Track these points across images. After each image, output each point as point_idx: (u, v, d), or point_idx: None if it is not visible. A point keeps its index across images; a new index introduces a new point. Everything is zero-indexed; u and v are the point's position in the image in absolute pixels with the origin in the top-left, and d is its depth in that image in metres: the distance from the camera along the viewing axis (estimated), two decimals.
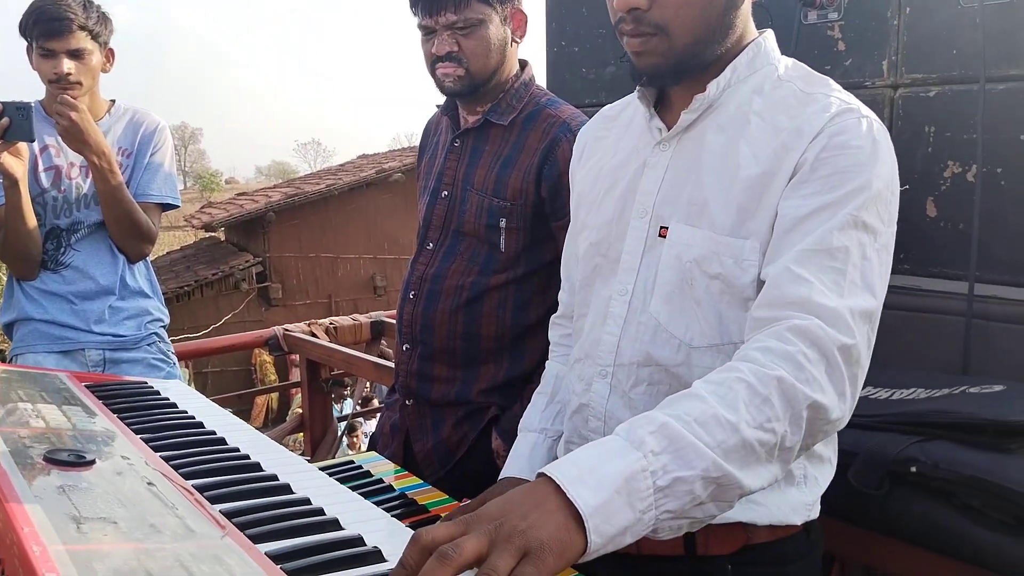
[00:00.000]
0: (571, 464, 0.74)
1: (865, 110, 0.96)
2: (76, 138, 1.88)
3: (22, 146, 1.88)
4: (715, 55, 1.00)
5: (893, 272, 1.64)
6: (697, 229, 1.00)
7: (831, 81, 1.01)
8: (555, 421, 1.23)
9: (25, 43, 1.99)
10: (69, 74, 1.94)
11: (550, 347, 1.34)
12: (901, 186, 1.57)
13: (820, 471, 1.06)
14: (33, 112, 1.82)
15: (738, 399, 0.78)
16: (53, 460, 0.82)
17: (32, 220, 1.95)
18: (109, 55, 2.06)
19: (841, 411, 0.84)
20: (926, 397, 1.29)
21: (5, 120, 1.79)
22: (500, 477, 1.21)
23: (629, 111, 1.18)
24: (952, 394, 1.28)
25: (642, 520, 0.73)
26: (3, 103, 1.81)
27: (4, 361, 2.04)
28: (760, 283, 0.94)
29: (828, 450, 1.07)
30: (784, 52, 1.70)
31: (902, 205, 1.58)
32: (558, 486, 0.71)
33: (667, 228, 1.03)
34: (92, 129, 1.89)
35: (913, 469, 1.16)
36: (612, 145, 1.17)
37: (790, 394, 0.79)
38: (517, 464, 1.21)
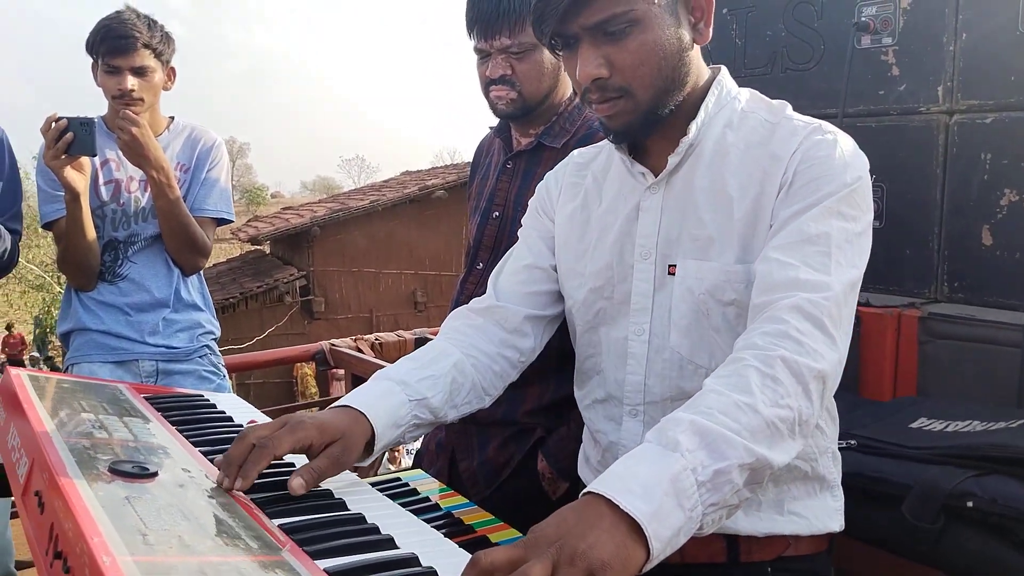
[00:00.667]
0: (615, 477, 0.77)
1: (828, 127, 1.04)
2: (136, 152, 1.94)
3: (84, 161, 1.94)
4: (676, 101, 1.07)
5: (949, 302, 1.63)
6: (705, 262, 1.06)
7: (787, 104, 1.10)
8: (421, 383, 1.12)
9: (91, 60, 2.06)
10: (132, 90, 2.00)
11: (444, 329, 1.27)
12: (956, 214, 1.57)
13: (839, 468, 1.13)
14: (96, 127, 1.88)
15: (750, 383, 0.84)
16: (118, 471, 0.84)
17: (92, 233, 2.01)
18: (171, 73, 2.13)
19: (837, 364, 0.91)
20: (982, 430, 1.27)
21: (69, 135, 1.85)
22: (335, 404, 1.09)
23: (602, 158, 1.23)
24: (1009, 427, 1.26)
25: (691, 518, 0.77)
26: (68, 119, 1.87)
27: (58, 371, 2.10)
28: None
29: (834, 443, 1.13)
30: (838, 77, 1.71)
31: (957, 234, 1.57)
32: (609, 501, 0.74)
33: (675, 266, 1.08)
34: (152, 144, 1.95)
35: (970, 504, 1.14)
36: (594, 192, 1.21)
37: (795, 369, 0.86)
38: (358, 398, 1.07)
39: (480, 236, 1.65)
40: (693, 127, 1.08)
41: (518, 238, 1.57)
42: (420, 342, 3.08)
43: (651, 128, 1.08)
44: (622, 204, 1.15)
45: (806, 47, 1.82)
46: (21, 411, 1.03)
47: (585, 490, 0.77)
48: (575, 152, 1.30)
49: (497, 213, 1.62)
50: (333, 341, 2.97)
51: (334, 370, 3.28)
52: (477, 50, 1.54)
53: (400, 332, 3.11)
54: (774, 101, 1.11)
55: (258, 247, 15.29)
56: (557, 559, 0.69)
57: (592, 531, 0.72)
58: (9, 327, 14.68)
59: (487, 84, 1.54)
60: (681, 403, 1.01)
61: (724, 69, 1.13)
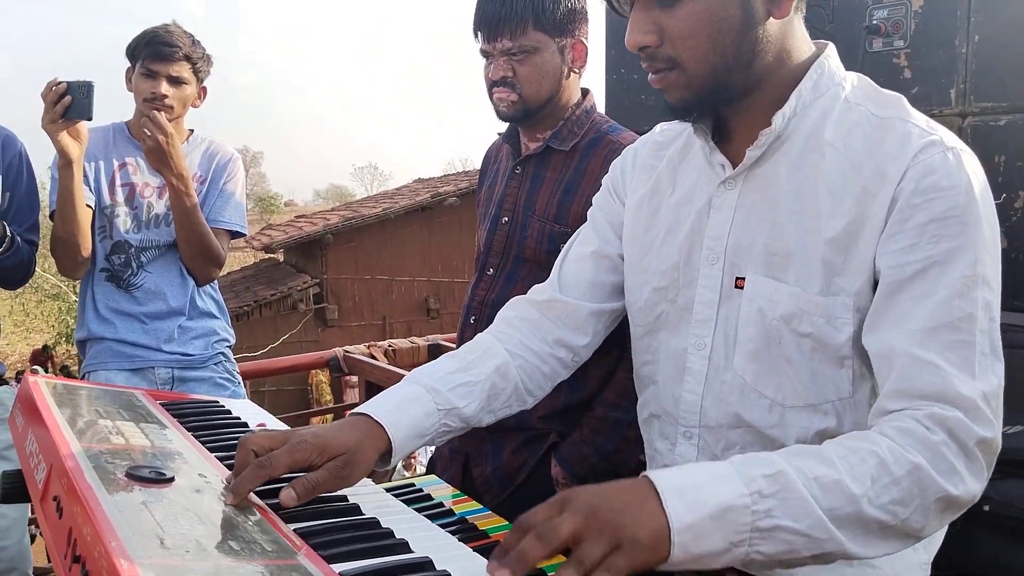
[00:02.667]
0: (678, 476, 0.76)
1: (950, 139, 0.89)
2: (159, 158, 1.96)
3: (82, 128, 1.92)
4: (746, 82, 0.94)
5: None
6: (781, 284, 0.93)
7: (902, 99, 0.95)
8: (454, 391, 1.05)
9: (127, 66, 2.09)
10: (165, 96, 2.03)
11: (497, 321, 1.20)
12: None
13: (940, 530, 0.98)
14: (93, 91, 1.85)
15: (867, 473, 0.76)
16: (135, 476, 0.85)
17: (83, 209, 2.00)
18: (202, 92, 2.17)
19: (975, 496, 0.81)
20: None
21: (68, 99, 1.84)
22: (355, 411, 1.04)
23: (683, 139, 1.10)
24: None
25: (732, 552, 0.74)
26: (67, 82, 1.85)
27: (73, 378, 2.11)
28: (856, 341, 0.90)
29: None
30: None
31: None
32: (658, 493, 0.73)
33: (744, 279, 0.97)
34: (176, 152, 1.97)
35: (986, 508, 1.14)
36: (668, 178, 1.09)
37: (925, 483, 0.77)
38: (379, 405, 1.01)
39: (490, 241, 1.66)
40: (779, 117, 0.93)
41: (528, 243, 1.58)
42: (434, 349, 3.09)
43: (711, 107, 0.97)
44: (697, 196, 1.03)
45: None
46: (39, 418, 1.05)
47: (644, 473, 0.76)
48: (658, 127, 1.19)
49: (507, 218, 1.63)
50: (347, 348, 2.99)
51: (348, 377, 3.29)
52: (482, 52, 1.57)
53: (414, 339, 3.13)
54: (888, 92, 0.96)
55: (272, 255, 15.35)
56: (591, 523, 0.70)
57: (632, 508, 0.72)
58: (45, 347, 14.81)
59: (490, 86, 1.56)
60: (739, 433, 0.97)
61: (831, 47, 0.99)
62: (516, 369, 1.12)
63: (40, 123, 1.86)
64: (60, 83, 1.84)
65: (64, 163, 1.91)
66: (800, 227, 0.92)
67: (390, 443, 0.98)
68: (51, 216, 2.11)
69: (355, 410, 1.04)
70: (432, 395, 1.04)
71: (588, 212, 1.24)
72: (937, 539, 1.00)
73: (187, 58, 2.06)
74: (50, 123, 1.85)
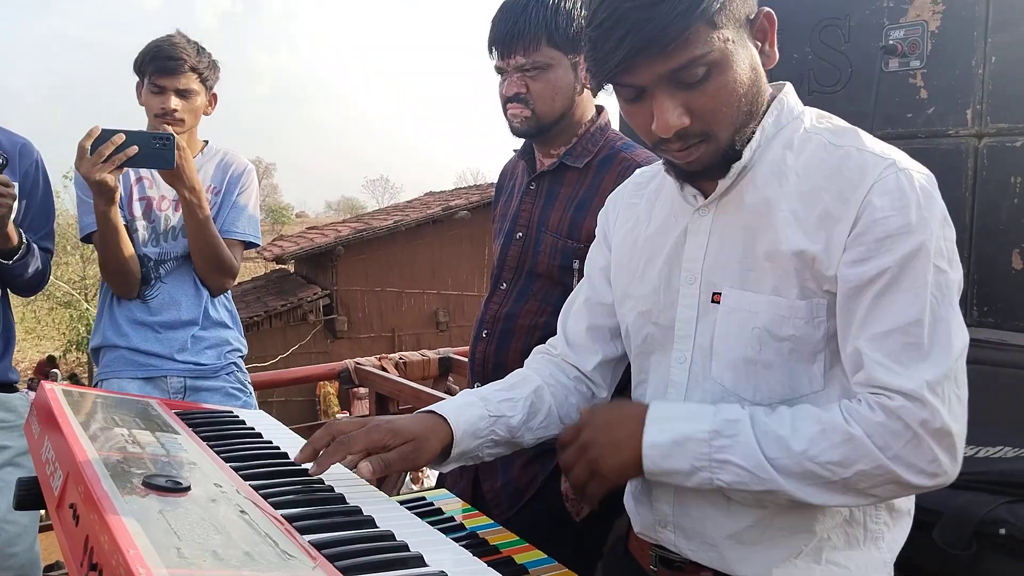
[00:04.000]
0: (667, 409, 1.03)
1: (904, 160, 0.96)
2: (172, 172, 1.97)
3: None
4: (754, 130, 1.01)
5: (979, 326, 1.61)
6: (759, 295, 1.01)
7: (858, 130, 1.02)
8: (502, 404, 1.19)
9: (136, 80, 2.11)
10: (175, 111, 2.05)
11: (528, 361, 1.32)
12: (986, 238, 1.56)
13: (900, 524, 1.06)
14: (175, 141, 1.89)
15: (807, 435, 0.93)
16: (151, 485, 0.85)
17: (127, 239, 2.04)
18: (212, 99, 2.18)
19: (925, 473, 0.92)
20: (1014, 456, 1.25)
21: (134, 148, 1.85)
22: (419, 411, 1.18)
23: (659, 179, 1.18)
24: None
25: (698, 475, 0.97)
26: (131, 131, 1.87)
27: (82, 385, 2.12)
28: (829, 336, 0.99)
29: (908, 503, 1.07)
30: (865, 100, 1.70)
31: (987, 258, 1.56)
32: (642, 420, 1.00)
33: (720, 294, 1.04)
34: (189, 166, 1.98)
35: (1002, 531, 1.13)
36: (645, 213, 1.18)
37: (860, 452, 0.91)
38: (442, 405, 1.16)
39: (504, 257, 1.66)
40: (747, 151, 1.01)
41: (541, 258, 1.59)
42: (444, 362, 3.09)
43: (729, 164, 1.02)
44: (672, 226, 1.11)
45: (833, 70, 1.82)
46: (56, 425, 1.05)
47: (652, 402, 1.02)
48: (637, 171, 1.28)
49: (521, 234, 1.63)
50: (358, 360, 2.99)
51: (356, 389, 3.30)
52: (496, 68, 1.58)
53: (424, 352, 3.13)
54: (844, 123, 1.04)
55: (283, 266, 15.41)
56: (579, 455, 1.03)
57: (616, 437, 1.02)
58: (51, 358, 14.88)
59: (504, 102, 1.57)
60: None
61: (788, 86, 1.07)
62: (550, 394, 1.23)
63: (80, 167, 1.86)
64: (117, 132, 1.85)
65: (108, 200, 1.92)
66: (769, 242, 1.00)
67: (451, 436, 1.12)
68: (83, 239, 2.15)
69: (420, 409, 1.18)
70: (484, 403, 1.17)
71: (586, 260, 1.32)
72: (899, 540, 1.06)
73: (193, 69, 2.06)
74: (100, 168, 1.84)
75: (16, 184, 1.90)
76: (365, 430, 1.06)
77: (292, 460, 1.11)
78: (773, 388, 1.01)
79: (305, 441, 1.29)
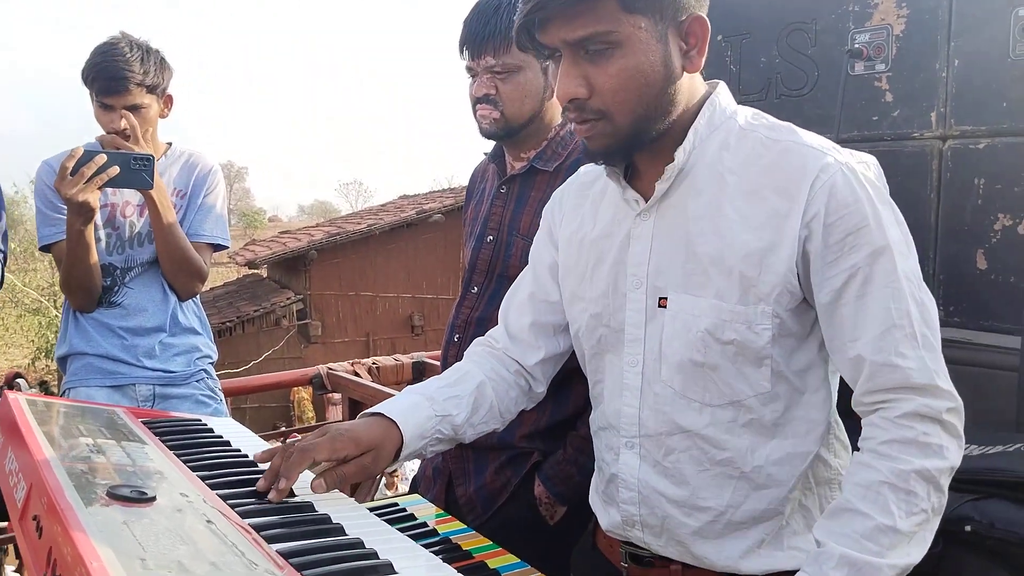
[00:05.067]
0: None
1: (841, 155, 0.99)
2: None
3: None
4: (661, 127, 1.03)
5: (945, 326, 1.63)
6: (701, 298, 1.03)
7: (793, 126, 1.04)
8: (447, 401, 1.18)
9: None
10: (124, 129, 1.99)
11: (469, 353, 1.32)
12: (951, 238, 1.58)
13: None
14: (154, 162, 1.90)
15: (888, 503, 0.91)
16: (116, 496, 0.84)
17: (95, 255, 2.01)
18: (167, 102, 2.13)
19: (959, 455, 0.96)
20: (979, 454, 1.27)
21: (115, 169, 1.85)
22: (369, 410, 1.18)
23: (603, 180, 1.19)
24: (1006, 451, 1.26)
25: None
26: (112, 153, 1.88)
27: (51, 394, 2.09)
28: (775, 342, 1.01)
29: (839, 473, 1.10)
30: (831, 103, 1.72)
31: (951, 258, 1.58)
32: None
33: (666, 298, 1.06)
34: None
35: (968, 528, 1.14)
36: (590, 215, 1.19)
37: (927, 476, 0.92)
38: (390, 407, 1.15)
39: (475, 260, 1.66)
40: (680, 152, 1.03)
41: (512, 261, 1.58)
42: (418, 366, 3.08)
43: (630, 153, 1.06)
44: (616, 230, 1.12)
45: (800, 73, 1.84)
46: (19, 436, 1.03)
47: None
48: (582, 169, 1.28)
49: (491, 237, 1.63)
50: (330, 365, 2.97)
51: (330, 394, 3.28)
52: (467, 69, 1.58)
53: (398, 356, 3.11)
54: (779, 121, 1.06)
55: (255, 271, 15.28)
56: None
57: None
58: (18, 375, 14.65)
59: (473, 103, 1.57)
60: (677, 439, 1.07)
61: (722, 84, 1.09)
62: (491, 390, 1.23)
63: (63, 188, 1.84)
64: (99, 154, 1.84)
65: (86, 220, 1.91)
66: (713, 246, 1.01)
67: (402, 440, 1.11)
68: (41, 249, 2.12)
69: (368, 410, 1.17)
70: (430, 402, 1.16)
71: (529, 255, 1.32)
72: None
73: (139, 84, 2.00)
74: (83, 189, 1.83)
75: None
76: (328, 438, 1.06)
77: (260, 469, 1.10)
78: (721, 390, 1.04)
79: (269, 445, 1.28)
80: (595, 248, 1.16)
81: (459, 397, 1.19)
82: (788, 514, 1.06)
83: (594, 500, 1.25)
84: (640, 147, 1.04)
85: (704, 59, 1.03)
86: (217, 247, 2.22)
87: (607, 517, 1.19)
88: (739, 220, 1.00)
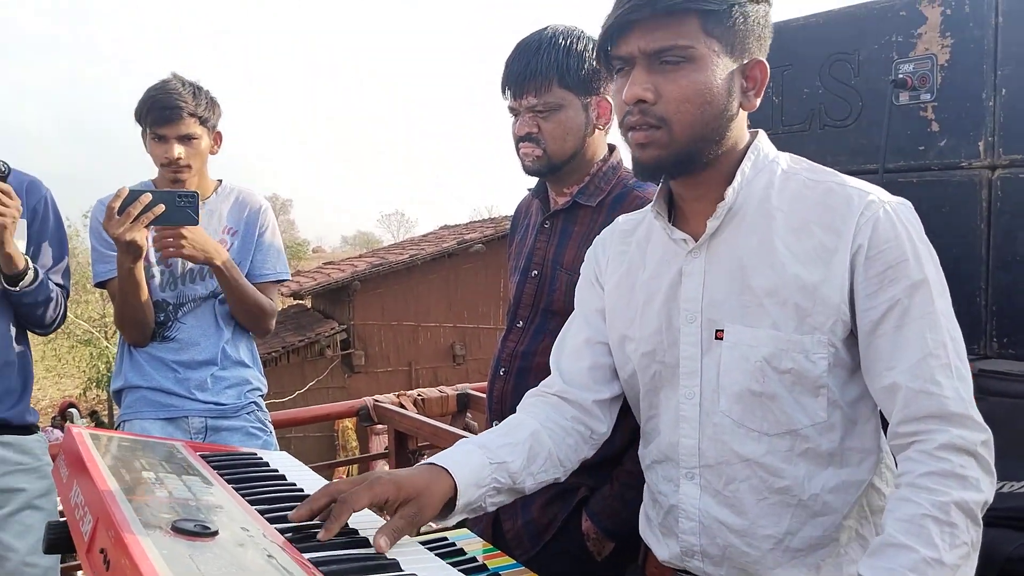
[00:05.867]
0: None
1: (883, 195, 1.05)
2: (196, 258, 2.03)
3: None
4: (711, 155, 1.09)
5: (999, 357, 1.61)
6: (758, 329, 1.07)
7: (831, 170, 1.11)
8: (502, 449, 1.17)
9: (140, 128, 2.13)
10: (179, 158, 2.06)
11: (522, 406, 1.31)
12: (1003, 269, 1.56)
13: None
14: (198, 199, 1.95)
15: (932, 536, 0.92)
16: (180, 530, 0.87)
17: (146, 291, 2.07)
18: (217, 138, 2.20)
19: (993, 487, 0.98)
20: None
21: (160, 207, 1.90)
22: (421, 463, 1.17)
23: (644, 226, 1.25)
24: None
25: None
26: (157, 192, 1.93)
27: (101, 424, 2.14)
28: (831, 372, 1.04)
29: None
30: (876, 133, 1.72)
31: (1004, 289, 1.56)
32: None
33: (722, 330, 1.10)
34: (204, 241, 2.02)
35: None
36: (636, 259, 1.23)
37: (966, 508, 0.94)
38: (443, 457, 1.14)
39: (520, 294, 1.68)
40: (730, 191, 1.09)
41: (556, 296, 1.60)
42: (462, 398, 3.10)
43: (678, 171, 1.10)
44: (665, 270, 1.17)
45: (844, 104, 1.84)
46: (84, 469, 1.07)
47: None
48: (620, 219, 1.33)
49: (536, 272, 1.65)
50: (376, 397, 3.00)
51: (374, 425, 3.31)
52: (509, 108, 1.62)
53: (443, 388, 3.14)
54: (818, 165, 1.12)
55: (300, 301, 15.50)
56: None
57: None
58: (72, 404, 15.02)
59: (516, 141, 1.60)
60: (737, 468, 1.10)
61: (762, 133, 1.15)
62: (548, 438, 1.23)
63: (110, 228, 1.89)
64: (144, 193, 1.89)
65: (135, 258, 1.96)
66: (767, 279, 1.06)
67: (455, 488, 1.09)
68: (96, 286, 2.19)
69: (420, 463, 1.16)
70: (484, 450, 1.16)
71: (575, 301, 1.35)
72: None
73: (192, 115, 2.08)
74: (130, 229, 1.88)
75: (20, 200, 1.89)
76: (367, 484, 1.04)
77: None
78: (778, 419, 1.07)
79: (324, 481, 1.30)
80: (645, 289, 1.20)
81: (513, 444, 1.19)
82: (844, 542, 1.08)
83: (647, 533, 1.26)
84: (688, 168, 1.09)
85: (759, 101, 1.11)
86: (280, 281, 2.30)
87: (665, 549, 1.20)
88: (790, 255, 1.05)
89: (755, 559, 1.10)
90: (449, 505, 1.11)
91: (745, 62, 1.08)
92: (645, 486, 1.28)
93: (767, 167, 1.12)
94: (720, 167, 1.11)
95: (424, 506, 1.06)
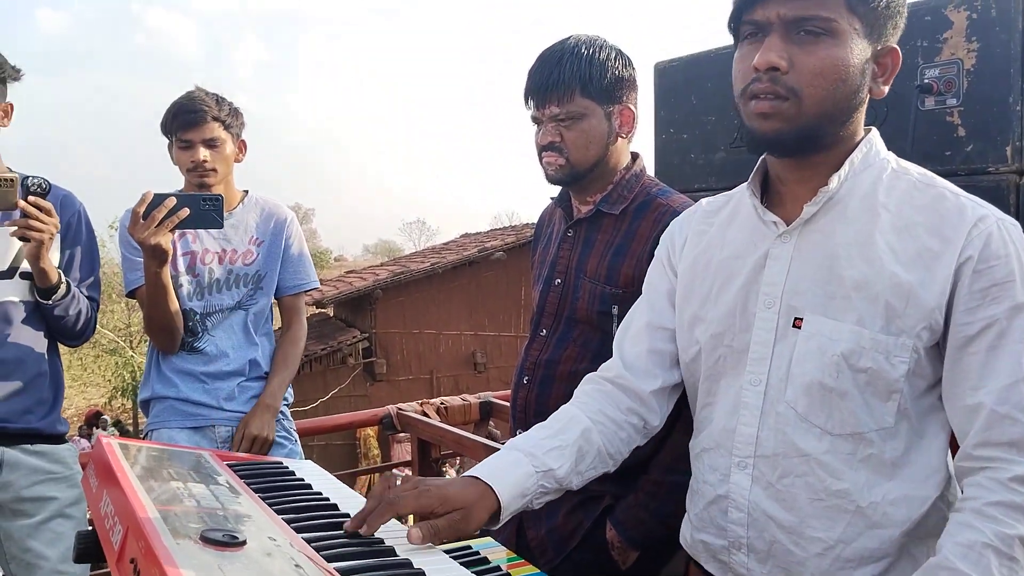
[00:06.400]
0: None
1: (995, 211, 1.01)
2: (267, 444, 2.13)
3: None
4: (831, 138, 1.05)
5: None
6: (841, 323, 1.03)
7: (939, 177, 1.07)
8: (548, 455, 1.17)
9: (166, 142, 2.17)
10: (205, 161, 2.10)
11: (577, 394, 1.30)
12: None
13: None
14: (222, 202, 1.97)
15: (991, 565, 0.90)
16: (209, 539, 0.87)
17: (174, 298, 2.09)
18: (241, 146, 2.24)
19: None
20: None
21: (185, 211, 1.91)
22: (466, 473, 1.16)
23: (730, 207, 1.22)
24: None
25: None
26: (181, 195, 1.94)
27: (126, 433, 2.16)
28: (909, 377, 1.00)
29: None
30: (902, 138, 1.70)
31: None
32: None
33: (802, 319, 1.06)
34: (266, 422, 2.14)
35: None
36: (717, 238, 1.20)
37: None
38: (486, 470, 1.13)
39: (543, 303, 1.68)
40: (835, 179, 1.05)
41: (580, 304, 1.60)
42: (485, 406, 3.10)
43: (798, 149, 1.06)
44: (750, 251, 1.13)
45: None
46: (114, 479, 1.08)
47: None
48: (703, 200, 1.30)
49: (559, 280, 1.65)
50: (400, 406, 3.01)
51: (397, 434, 3.32)
52: (532, 118, 1.62)
53: (465, 396, 3.14)
54: (927, 171, 1.09)
55: (322, 310, 15.59)
56: None
57: None
58: (98, 414, 15.21)
59: (539, 151, 1.61)
60: (795, 462, 1.06)
61: (875, 131, 1.12)
62: (598, 434, 1.22)
63: (135, 233, 1.90)
64: (168, 196, 1.91)
65: (161, 262, 1.97)
66: (860, 271, 1.02)
67: (498, 503, 1.10)
68: (128, 295, 2.21)
69: (466, 473, 1.16)
70: (530, 459, 1.15)
71: (643, 285, 1.32)
72: None
73: (216, 119, 2.12)
74: (154, 232, 1.89)
75: (57, 217, 1.92)
76: (416, 493, 1.06)
77: (342, 512, 1.13)
78: (845, 419, 1.03)
79: (349, 490, 1.31)
80: (723, 268, 1.16)
81: (562, 448, 1.18)
82: (895, 558, 1.04)
83: (685, 528, 1.24)
84: (804, 149, 1.05)
85: (887, 90, 1.08)
86: (310, 290, 2.33)
87: (706, 547, 1.17)
88: (890, 253, 1.01)
89: (800, 560, 1.06)
90: (495, 517, 1.11)
91: (879, 48, 1.05)
92: (693, 474, 1.24)
93: (877, 163, 1.08)
94: (832, 153, 1.07)
95: (469, 518, 1.07)
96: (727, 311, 1.13)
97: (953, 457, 1.04)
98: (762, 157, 1.16)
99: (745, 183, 1.19)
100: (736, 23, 1.06)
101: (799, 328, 1.05)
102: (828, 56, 1.00)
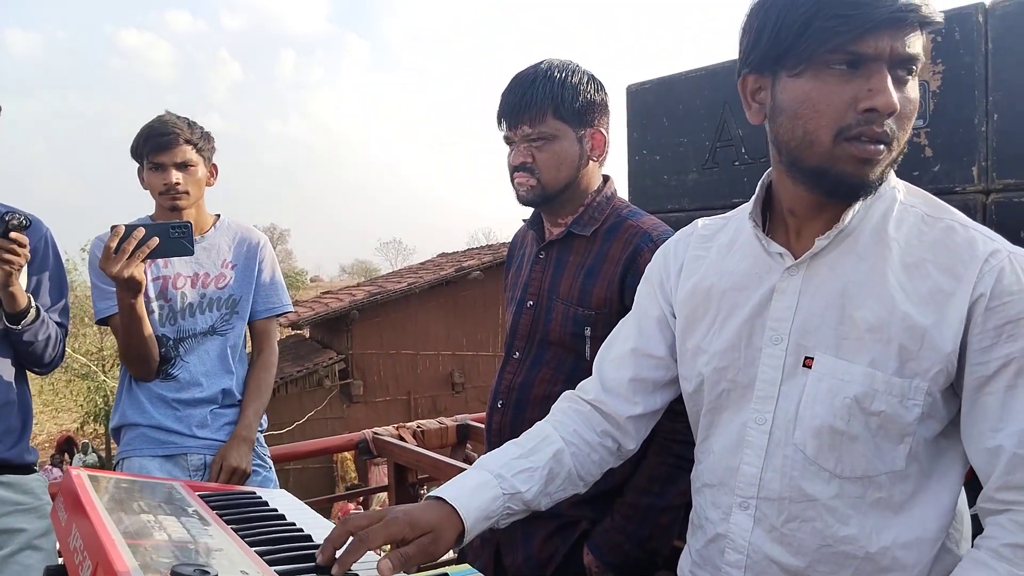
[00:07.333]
0: None
1: (1006, 244, 0.97)
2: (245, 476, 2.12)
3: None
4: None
5: None
6: (853, 364, 0.99)
7: (949, 206, 1.03)
8: (517, 477, 1.14)
9: (136, 166, 2.15)
10: (178, 183, 2.08)
11: (553, 411, 1.27)
12: None
13: None
14: (192, 229, 1.95)
15: None
16: (180, 575, 0.86)
17: (149, 326, 2.06)
18: (213, 170, 2.22)
19: None
20: None
21: (155, 240, 1.89)
22: (432, 493, 1.13)
23: (728, 232, 1.17)
24: None
25: None
26: (151, 225, 1.91)
27: (101, 461, 2.13)
28: (922, 420, 0.97)
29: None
30: None
31: None
32: None
33: (812, 359, 1.02)
34: (243, 454, 2.12)
35: None
36: (716, 266, 1.15)
37: None
38: (453, 491, 1.11)
39: (516, 325, 1.68)
40: (850, 213, 1.00)
41: (553, 326, 1.60)
42: (462, 429, 3.08)
43: (868, 192, 0.99)
44: (754, 283, 1.09)
45: None
46: (83, 512, 1.06)
47: None
48: (699, 222, 1.25)
49: (532, 302, 1.65)
50: (376, 430, 2.99)
51: (374, 458, 3.29)
52: (505, 138, 1.63)
53: (442, 419, 3.12)
54: (933, 198, 1.04)
55: (298, 332, 15.47)
56: None
57: None
58: (70, 439, 14.95)
59: (511, 171, 1.62)
60: (801, 506, 1.03)
61: None
62: (570, 456, 1.19)
63: (108, 268, 1.87)
64: (137, 227, 1.88)
65: (135, 294, 1.95)
66: (873, 313, 0.98)
67: (463, 525, 1.08)
68: (98, 322, 2.19)
69: (431, 494, 1.13)
70: (498, 480, 1.13)
71: (633, 307, 1.29)
72: None
73: (188, 141, 2.11)
74: (127, 265, 1.86)
75: (28, 247, 1.89)
76: (383, 523, 1.03)
77: (316, 543, 1.11)
78: (855, 462, 1.00)
79: (324, 519, 1.29)
80: (726, 300, 1.12)
81: (532, 470, 1.15)
82: None
83: (684, 561, 1.22)
84: (868, 191, 0.99)
85: None
86: (283, 314, 2.31)
87: None
88: (901, 292, 0.97)
89: None
90: (460, 537, 1.09)
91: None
92: (695, 507, 1.20)
93: (888, 193, 1.02)
94: None
95: (439, 540, 1.05)
96: (730, 345, 1.09)
97: (967, 496, 1.03)
98: (766, 184, 1.11)
99: (741, 207, 1.16)
100: (815, 47, 0.93)
101: (810, 367, 1.01)
102: (915, 99, 0.95)
